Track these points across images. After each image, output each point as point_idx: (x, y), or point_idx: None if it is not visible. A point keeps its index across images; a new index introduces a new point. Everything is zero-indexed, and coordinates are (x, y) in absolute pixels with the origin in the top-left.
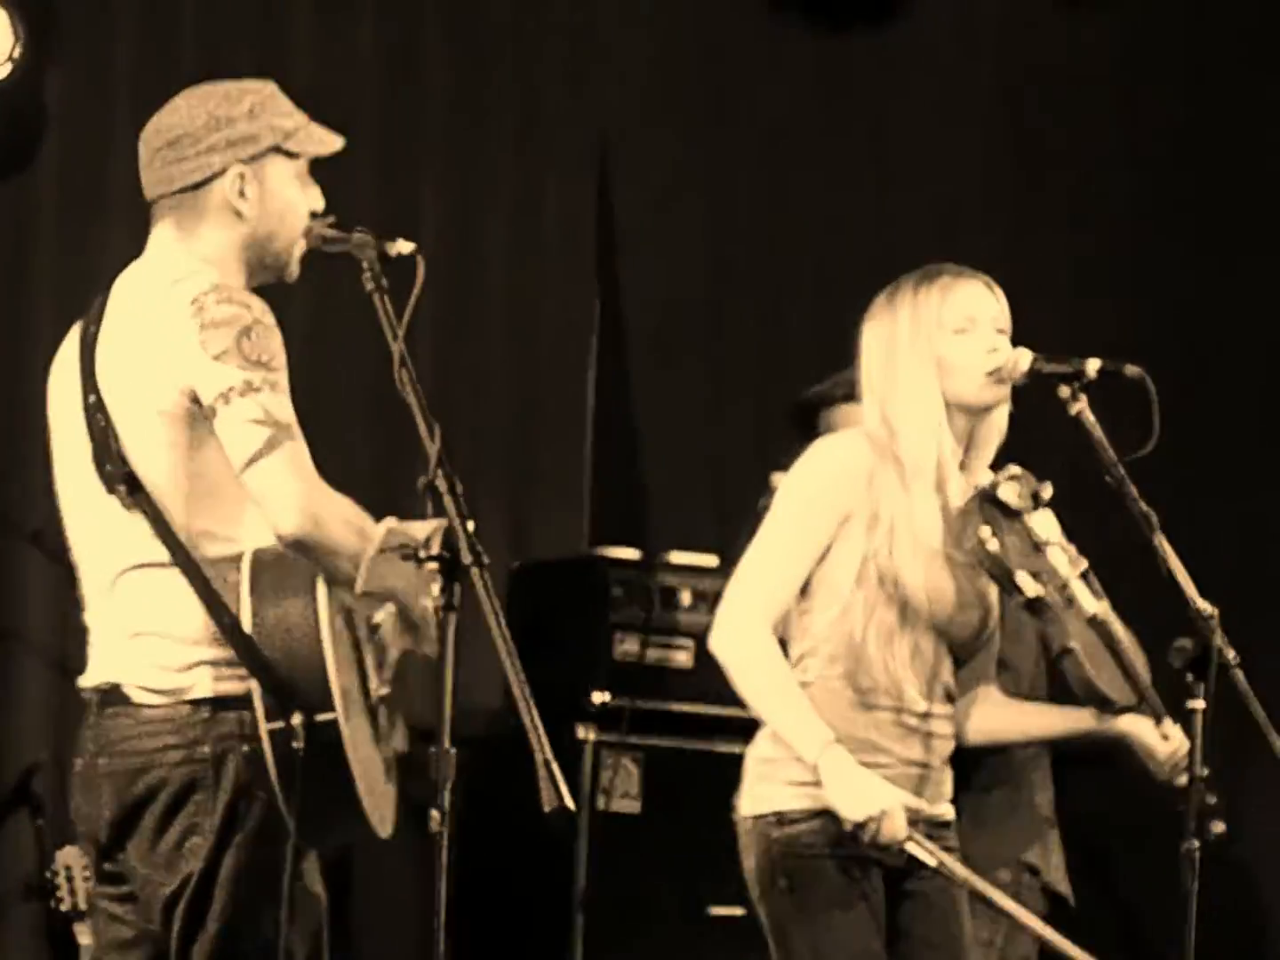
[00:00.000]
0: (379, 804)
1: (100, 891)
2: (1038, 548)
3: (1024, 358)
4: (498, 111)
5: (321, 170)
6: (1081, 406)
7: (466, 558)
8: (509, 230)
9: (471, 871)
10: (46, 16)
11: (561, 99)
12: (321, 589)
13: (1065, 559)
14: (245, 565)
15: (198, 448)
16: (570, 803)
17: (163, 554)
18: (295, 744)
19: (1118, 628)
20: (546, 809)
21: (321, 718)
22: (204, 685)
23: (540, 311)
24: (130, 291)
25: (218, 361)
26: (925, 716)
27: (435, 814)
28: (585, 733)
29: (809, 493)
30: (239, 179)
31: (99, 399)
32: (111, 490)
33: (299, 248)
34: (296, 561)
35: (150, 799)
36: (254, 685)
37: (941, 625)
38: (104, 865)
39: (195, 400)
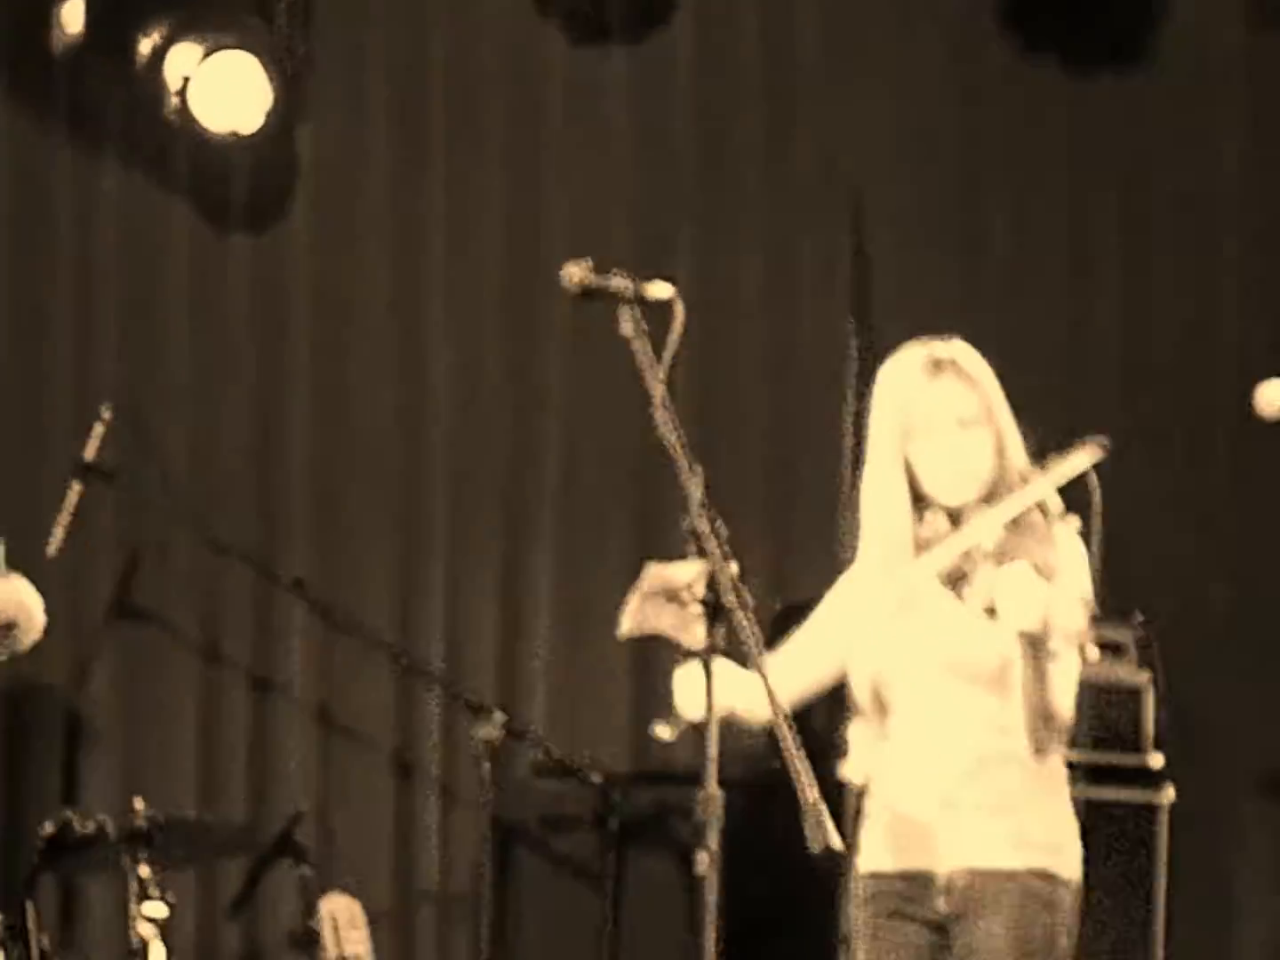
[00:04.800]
0: None
1: None
2: None
3: (1278, 391)
4: (749, 152)
5: (577, 213)
6: None
7: (730, 600)
8: (763, 270)
9: (738, 913)
10: (301, 68)
11: (812, 138)
12: None
13: None
14: None
15: None
16: (838, 843)
17: None
18: None
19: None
20: (814, 850)
21: None
22: None
23: (796, 351)
24: None
25: None
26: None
27: (703, 856)
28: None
29: None
30: None
31: None
32: None
33: None
34: None
35: None
36: None
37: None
38: None
39: None
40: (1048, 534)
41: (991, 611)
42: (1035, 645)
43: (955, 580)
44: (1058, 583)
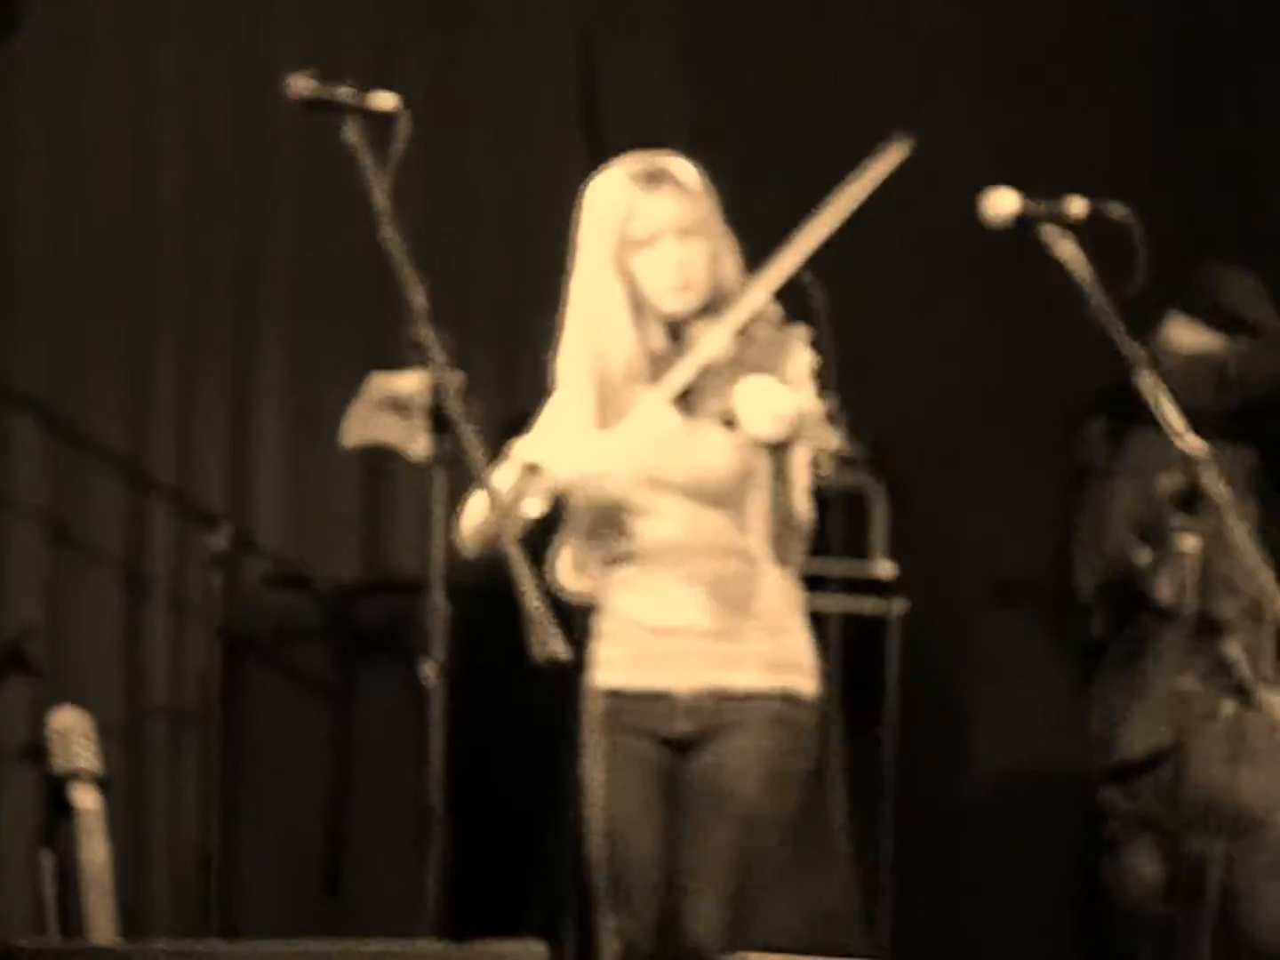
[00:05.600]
0: None
1: None
2: None
3: (1009, 199)
4: None
5: (308, 24)
6: (1066, 247)
7: (454, 411)
8: (493, 82)
9: (469, 724)
10: None
11: None
12: None
13: None
14: None
15: None
16: (562, 651)
17: None
18: None
19: None
20: (537, 659)
21: None
22: None
23: (527, 161)
24: None
25: None
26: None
27: (429, 667)
28: None
29: None
30: None
31: None
32: None
33: None
34: None
35: None
36: None
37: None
38: None
39: None
40: (776, 341)
41: (728, 423)
42: (778, 452)
43: (686, 396)
44: (795, 390)
